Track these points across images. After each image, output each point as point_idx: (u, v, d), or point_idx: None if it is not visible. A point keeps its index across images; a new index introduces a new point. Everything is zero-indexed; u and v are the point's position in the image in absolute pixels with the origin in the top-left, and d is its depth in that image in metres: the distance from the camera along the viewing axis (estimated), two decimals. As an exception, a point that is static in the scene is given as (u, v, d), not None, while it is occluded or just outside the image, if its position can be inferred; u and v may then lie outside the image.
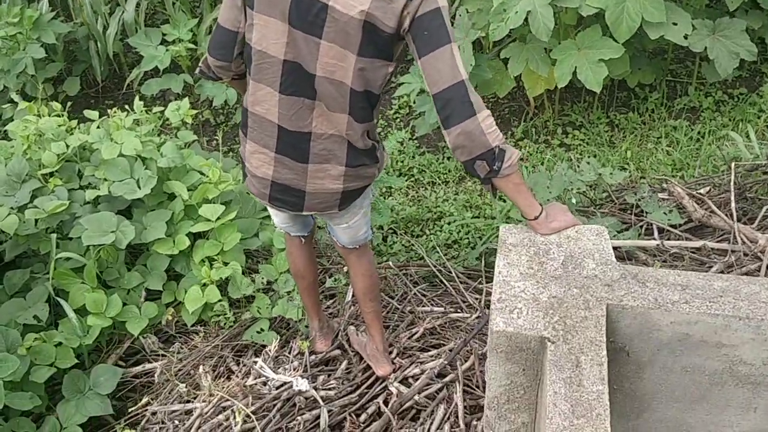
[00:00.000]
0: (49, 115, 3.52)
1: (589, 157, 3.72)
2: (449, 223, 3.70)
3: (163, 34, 4.21)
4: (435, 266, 3.17)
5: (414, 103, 4.21)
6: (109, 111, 3.34)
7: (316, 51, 1.79)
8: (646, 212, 2.92)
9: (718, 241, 2.82)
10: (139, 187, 2.87)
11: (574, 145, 4.36)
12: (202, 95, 4.31)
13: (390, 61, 1.81)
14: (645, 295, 1.63)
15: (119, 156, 2.96)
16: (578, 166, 3.11)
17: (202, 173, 3.07)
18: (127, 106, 3.58)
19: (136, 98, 3.52)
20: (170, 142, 3.05)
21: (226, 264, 2.75)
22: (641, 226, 2.98)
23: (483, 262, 3.18)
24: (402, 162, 4.33)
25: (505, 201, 3.89)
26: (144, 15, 4.68)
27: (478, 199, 4.00)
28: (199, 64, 2.11)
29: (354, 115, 1.87)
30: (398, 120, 4.73)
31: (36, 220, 2.86)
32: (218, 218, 2.79)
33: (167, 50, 4.13)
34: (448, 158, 4.36)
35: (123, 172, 2.95)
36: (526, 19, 3.63)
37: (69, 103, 3.99)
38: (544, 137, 4.46)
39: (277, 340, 2.65)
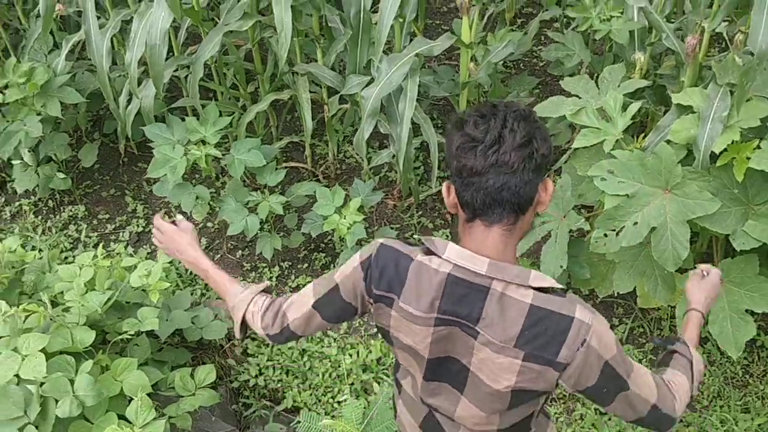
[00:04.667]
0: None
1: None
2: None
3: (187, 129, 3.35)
4: None
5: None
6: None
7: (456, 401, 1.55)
8: None
9: None
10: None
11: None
12: (220, 215, 3.43)
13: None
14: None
15: (16, 381, 2.14)
16: None
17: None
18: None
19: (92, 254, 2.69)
20: (85, 377, 2.18)
21: None
22: None
23: None
24: None
25: None
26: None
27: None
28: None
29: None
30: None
31: None
32: None
33: (185, 154, 3.26)
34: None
35: (15, 407, 2.12)
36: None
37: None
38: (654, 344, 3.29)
39: None
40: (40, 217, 4.04)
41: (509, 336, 1.36)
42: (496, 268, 1.37)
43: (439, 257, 1.41)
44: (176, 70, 3.55)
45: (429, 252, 1.45)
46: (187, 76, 3.79)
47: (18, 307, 2.23)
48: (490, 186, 1.32)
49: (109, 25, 3.36)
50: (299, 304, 1.59)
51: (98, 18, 3.35)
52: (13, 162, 3.92)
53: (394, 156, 3.44)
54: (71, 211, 4.05)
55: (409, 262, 1.43)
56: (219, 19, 3.60)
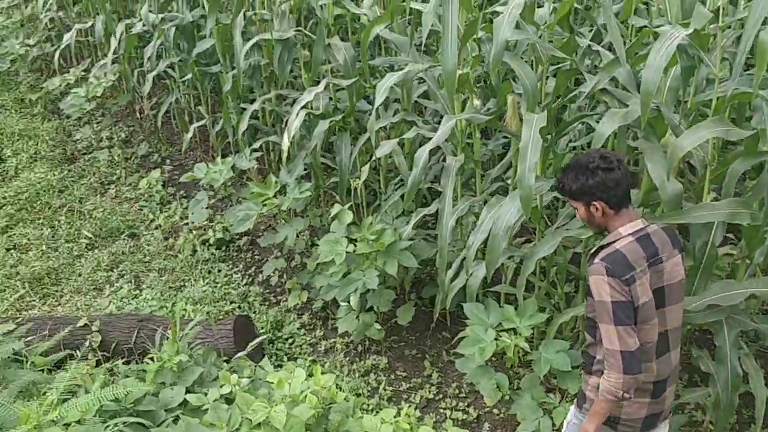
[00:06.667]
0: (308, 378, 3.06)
1: None
2: None
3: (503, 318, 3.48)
4: None
5: None
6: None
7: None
8: None
9: None
10: None
11: None
12: (513, 408, 3.42)
13: None
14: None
15: None
16: None
17: None
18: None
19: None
20: None
21: None
22: None
23: None
24: None
25: None
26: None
27: None
28: (624, 391, 2.40)
29: None
30: None
31: None
32: None
33: (495, 339, 3.38)
34: None
35: None
36: None
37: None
38: None
39: None
40: (347, 358, 4.40)
41: (670, 246, 2.54)
42: (643, 221, 2.57)
43: (623, 237, 2.51)
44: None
45: (612, 243, 2.53)
46: (509, 266, 3.99)
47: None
48: (624, 184, 2.51)
49: (458, 207, 3.72)
50: (609, 341, 2.39)
51: (448, 199, 3.73)
52: (341, 304, 4.38)
53: (708, 396, 3.20)
54: (375, 360, 4.36)
55: (620, 252, 2.46)
56: (548, 220, 3.78)
